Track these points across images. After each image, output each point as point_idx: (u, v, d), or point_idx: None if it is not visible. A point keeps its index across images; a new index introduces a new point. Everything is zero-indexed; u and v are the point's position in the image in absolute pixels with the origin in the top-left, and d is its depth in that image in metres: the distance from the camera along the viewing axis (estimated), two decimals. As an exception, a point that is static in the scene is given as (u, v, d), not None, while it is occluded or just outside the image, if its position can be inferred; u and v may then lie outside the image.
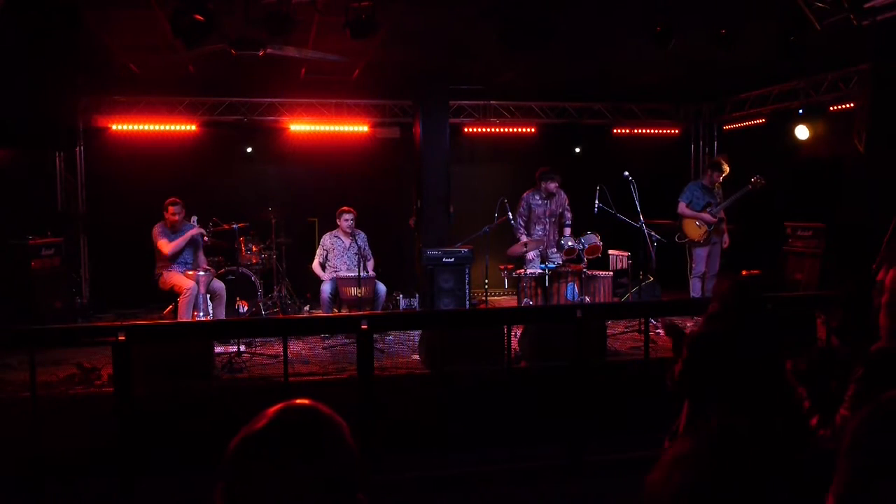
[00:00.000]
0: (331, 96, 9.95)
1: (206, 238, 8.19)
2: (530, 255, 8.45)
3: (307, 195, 9.96)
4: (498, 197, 8.27)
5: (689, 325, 6.86)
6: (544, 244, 8.49)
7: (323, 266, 8.18)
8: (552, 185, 8.48)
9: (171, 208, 7.39)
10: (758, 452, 1.14)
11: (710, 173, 8.33)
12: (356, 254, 7.99)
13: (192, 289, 7.10)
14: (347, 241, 8.13)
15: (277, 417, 1.21)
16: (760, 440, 1.15)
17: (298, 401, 1.24)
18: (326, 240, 8.20)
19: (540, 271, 8.21)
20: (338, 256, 8.10)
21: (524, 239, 8.39)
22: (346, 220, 8.09)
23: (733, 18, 6.42)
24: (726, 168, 8.27)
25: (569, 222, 8.60)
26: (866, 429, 1.45)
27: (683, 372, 3.42)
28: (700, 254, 8.31)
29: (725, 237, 8.38)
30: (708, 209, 8.22)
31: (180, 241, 7.31)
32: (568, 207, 8.65)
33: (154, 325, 6.55)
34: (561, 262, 8.27)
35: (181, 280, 7.20)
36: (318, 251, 8.21)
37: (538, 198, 8.55)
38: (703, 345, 3.43)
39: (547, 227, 8.59)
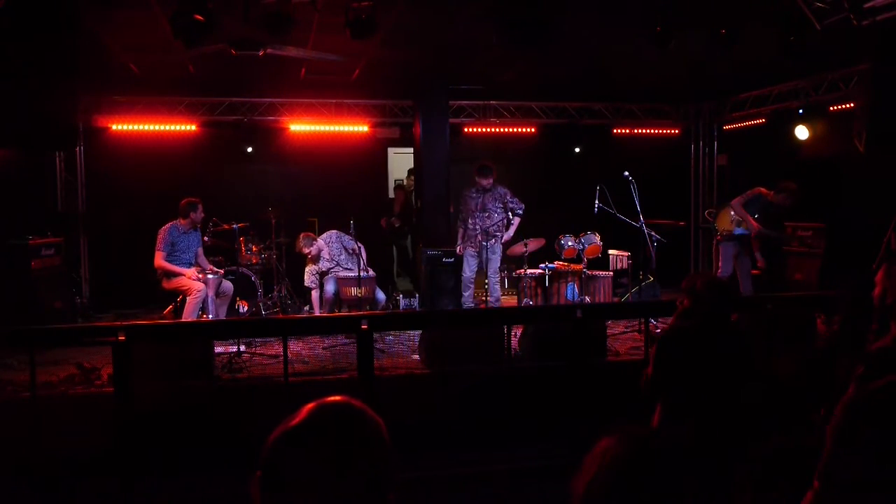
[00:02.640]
0: (331, 96, 9.95)
1: (206, 239, 8.20)
2: (469, 252, 8.43)
3: (307, 195, 9.96)
4: (498, 197, 8.27)
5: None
6: (477, 241, 8.38)
7: (322, 277, 8.13)
8: (484, 182, 8.37)
9: (200, 206, 7.39)
10: (672, 456, 1.16)
11: (785, 197, 7.73)
12: (352, 253, 7.95)
13: (203, 291, 7.11)
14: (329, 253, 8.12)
15: (315, 413, 1.21)
16: (680, 449, 1.17)
17: (333, 398, 1.25)
18: (312, 267, 8.16)
19: (541, 271, 8.21)
20: (329, 263, 8.08)
21: (461, 232, 8.42)
22: (311, 243, 8.05)
23: (733, 18, 6.42)
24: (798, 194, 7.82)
25: (519, 211, 8.35)
26: (850, 412, 1.48)
27: (653, 369, 3.40)
28: (728, 252, 7.98)
29: (758, 255, 8.03)
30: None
31: (173, 268, 7.21)
32: (513, 200, 8.42)
33: (154, 325, 6.55)
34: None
35: (190, 281, 7.20)
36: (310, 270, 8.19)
37: (473, 191, 8.45)
38: (671, 341, 3.41)
39: (477, 222, 8.38)
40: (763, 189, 7.91)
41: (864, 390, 1.53)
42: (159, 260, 7.21)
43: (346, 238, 8.08)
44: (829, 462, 1.49)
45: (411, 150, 10.04)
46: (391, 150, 11.68)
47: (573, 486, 1.18)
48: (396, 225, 10.57)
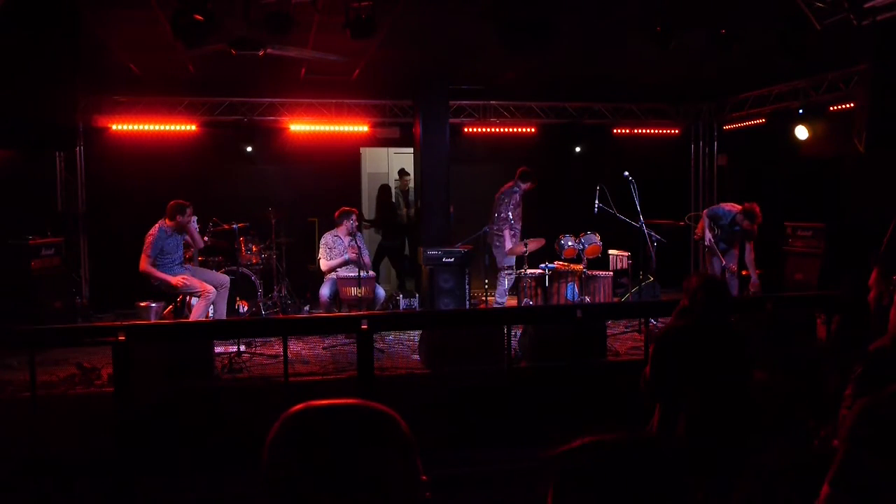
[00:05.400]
0: (331, 96, 9.95)
1: (206, 239, 8.20)
2: (513, 256, 8.48)
3: (307, 195, 9.96)
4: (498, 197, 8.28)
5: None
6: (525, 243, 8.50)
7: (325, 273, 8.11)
8: (526, 186, 8.52)
9: (189, 210, 7.23)
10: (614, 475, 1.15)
11: (741, 218, 7.78)
12: (357, 250, 7.96)
13: (213, 294, 7.09)
14: (347, 241, 8.12)
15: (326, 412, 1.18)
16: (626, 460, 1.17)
17: (345, 399, 1.21)
18: (329, 238, 8.11)
19: (541, 271, 8.22)
20: (338, 256, 8.08)
21: (508, 234, 8.41)
22: (354, 221, 8.02)
23: (733, 18, 6.42)
24: (759, 220, 7.82)
25: None
26: (866, 417, 1.47)
27: (650, 368, 3.42)
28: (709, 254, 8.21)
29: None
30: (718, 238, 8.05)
31: (159, 275, 7.02)
32: None
33: (154, 325, 6.56)
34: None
35: (201, 283, 7.13)
36: (323, 251, 8.08)
37: (518, 194, 8.55)
38: (667, 339, 3.43)
39: (518, 223, 8.59)
40: (734, 206, 8.00)
41: (880, 393, 1.52)
42: (144, 264, 7.00)
43: (359, 238, 8.18)
44: (842, 467, 1.48)
45: (411, 150, 10.05)
46: (391, 150, 11.70)
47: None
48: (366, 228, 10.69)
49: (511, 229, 8.45)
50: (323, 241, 8.17)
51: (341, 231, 8.11)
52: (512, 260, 8.50)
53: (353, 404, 1.19)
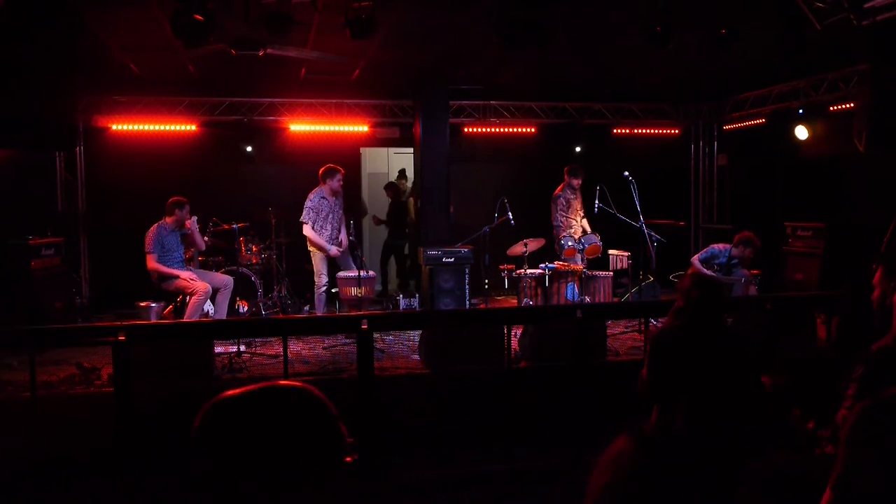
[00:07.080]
0: (331, 96, 9.95)
1: (206, 239, 8.20)
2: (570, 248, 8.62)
3: (307, 195, 9.94)
4: (498, 197, 8.28)
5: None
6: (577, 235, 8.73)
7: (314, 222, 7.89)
8: (577, 182, 8.73)
9: (187, 206, 7.36)
10: (686, 459, 1.17)
11: (742, 249, 7.54)
12: (341, 212, 7.92)
13: (207, 291, 7.10)
14: (332, 201, 7.89)
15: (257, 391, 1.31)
16: (694, 447, 1.19)
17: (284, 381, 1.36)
18: (314, 201, 7.81)
19: (541, 271, 8.22)
20: (324, 218, 7.85)
21: (569, 241, 8.60)
22: (339, 180, 7.86)
23: (733, 18, 6.42)
24: (758, 243, 7.60)
25: None
26: (866, 420, 1.47)
27: (647, 369, 3.41)
28: None
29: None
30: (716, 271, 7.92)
31: (168, 270, 7.13)
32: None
33: (154, 325, 6.56)
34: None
35: (193, 282, 7.15)
36: (306, 214, 7.78)
37: (570, 193, 8.77)
38: (664, 339, 3.43)
39: (578, 220, 8.86)
40: (720, 245, 7.84)
41: (879, 396, 1.52)
42: (152, 262, 7.13)
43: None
44: (843, 470, 1.47)
45: (411, 150, 10.04)
46: (391, 150, 11.69)
47: (588, 487, 1.18)
48: (376, 224, 10.83)
49: (564, 232, 8.71)
50: (308, 202, 7.84)
51: (326, 191, 7.86)
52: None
53: (265, 387, 1.31)
